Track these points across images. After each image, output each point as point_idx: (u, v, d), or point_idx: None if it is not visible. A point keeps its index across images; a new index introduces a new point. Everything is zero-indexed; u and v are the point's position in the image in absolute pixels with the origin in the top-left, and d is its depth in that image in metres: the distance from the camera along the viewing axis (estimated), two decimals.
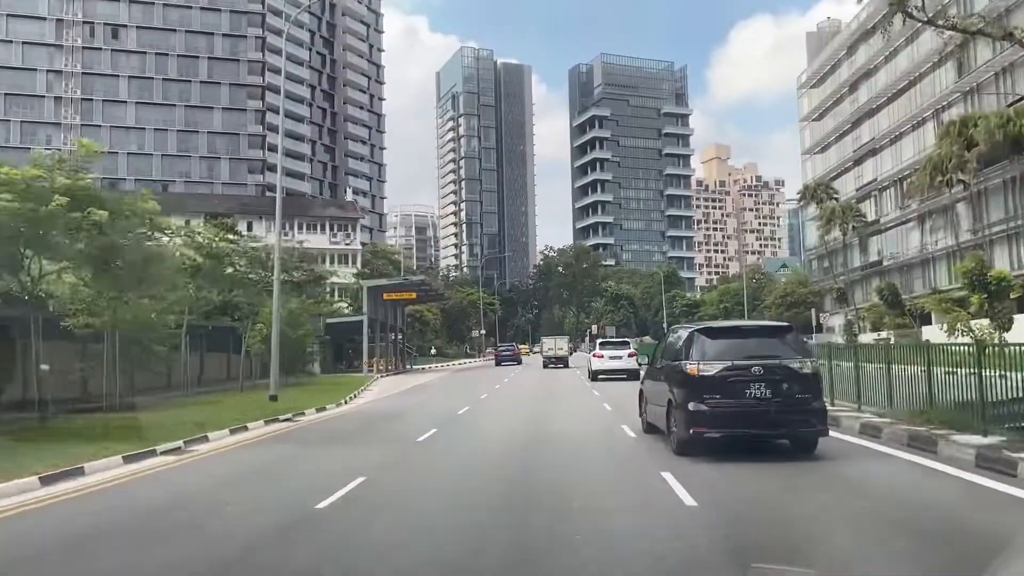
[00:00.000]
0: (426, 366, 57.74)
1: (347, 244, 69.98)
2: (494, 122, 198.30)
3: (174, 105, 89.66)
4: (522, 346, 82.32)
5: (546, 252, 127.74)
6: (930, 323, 46.51)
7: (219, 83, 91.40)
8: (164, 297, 22.85)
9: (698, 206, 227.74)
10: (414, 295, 46.75)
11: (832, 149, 72.18)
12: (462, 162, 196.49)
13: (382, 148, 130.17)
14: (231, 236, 33.07)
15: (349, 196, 70.26)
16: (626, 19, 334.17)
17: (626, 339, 45.81)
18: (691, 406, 10.55)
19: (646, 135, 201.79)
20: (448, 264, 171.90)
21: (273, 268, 23.85)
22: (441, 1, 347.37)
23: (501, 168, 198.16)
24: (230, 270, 30.22)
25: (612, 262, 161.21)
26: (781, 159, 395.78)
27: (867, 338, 45.02)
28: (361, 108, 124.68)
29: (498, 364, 56.98)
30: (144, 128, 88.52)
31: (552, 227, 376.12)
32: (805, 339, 18.32)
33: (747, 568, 5.14)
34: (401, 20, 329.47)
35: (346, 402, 25.62)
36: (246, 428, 17.42)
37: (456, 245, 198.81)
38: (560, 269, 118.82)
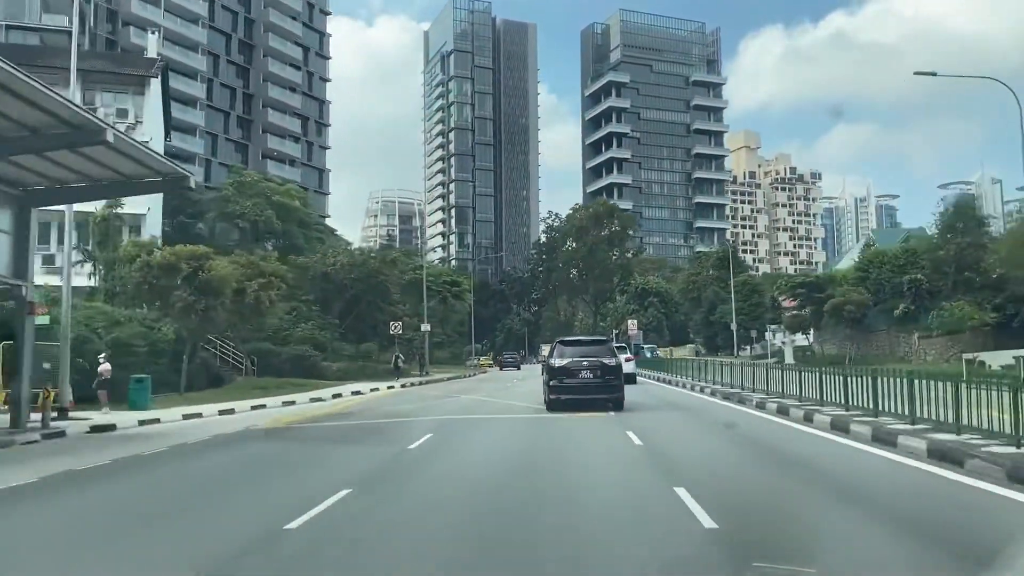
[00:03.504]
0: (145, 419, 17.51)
1: (127, 125, 30.67)
2: (491, 87, 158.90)
3: None
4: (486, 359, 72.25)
5: (550, 221, 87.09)
6: None
7: None
8: None
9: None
10: None
11: None
12: (451, 134, 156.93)
13: (325, 80, 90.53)
14: None
15: (152, 49, 31.81)
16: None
17: (622, 344, 38.62)
18: (552, 382, 18.13)
19: (672, 107, 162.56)
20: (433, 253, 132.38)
21: None
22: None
23: (499, 143, 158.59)
24: None
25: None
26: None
27: None
28: (294, 19, 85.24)
29: (502, 368, 63.50)
30: None
31: None
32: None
33: (747, 567, 5.27)
34: (414, 27, 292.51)
35: None
36: None
37: (444, 234, 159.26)
38: (571, 244, 78.03)
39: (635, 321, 48.18)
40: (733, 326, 62.05)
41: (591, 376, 17.74)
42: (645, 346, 55.93)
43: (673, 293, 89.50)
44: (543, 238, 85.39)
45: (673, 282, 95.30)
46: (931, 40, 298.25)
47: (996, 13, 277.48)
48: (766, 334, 54.22)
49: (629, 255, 79.97)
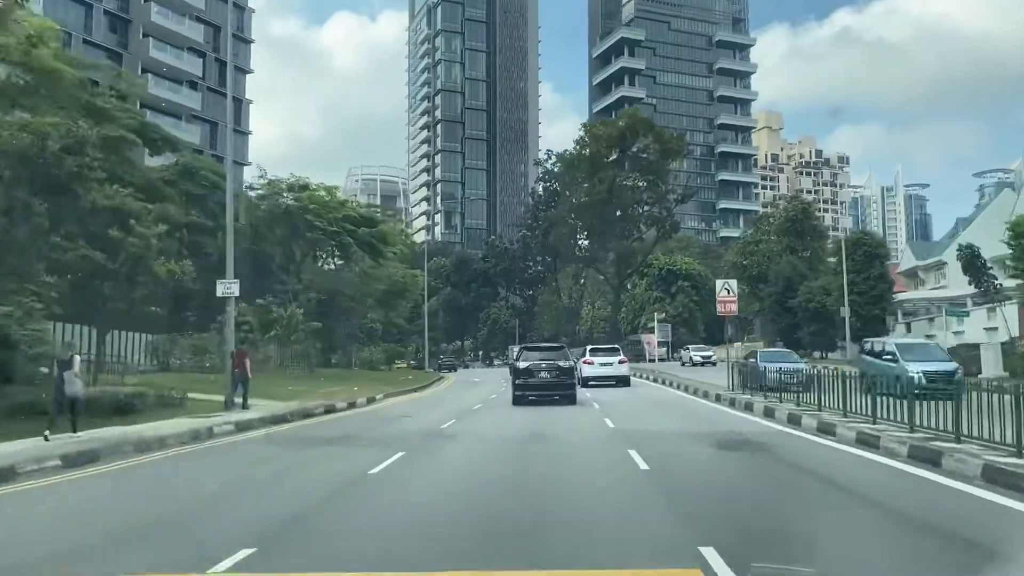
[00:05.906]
0: None
1: None
2: (485, 44, 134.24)
3: None
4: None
5: (545, 163, 61.18)
6: None
7: None
8: None
9: None
10: None
11: None
12: (438, 98, 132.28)
13: (242, 7, 65.65)
14: None
15: None
16: None
17: (615, 346, 35.96)
18: (517, 381, 21.34)
19: (693, 70, 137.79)
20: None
21: None
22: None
23: (494, 108, 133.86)
24: None
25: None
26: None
27: None
28: None
29: (438, 370, 58.24)
30: None
31: None
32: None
33: (747, 568, 5.32)
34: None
35: None
36: None
37: (428, 214, 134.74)
38: (579, 197, 52.46)
39: (734, 282, 22.88)
40: (845, 311, 37.32)
41: (548, 376, 20.92)
42: (770, 353, 26.79)
43: (708, 277, 65.29)
44: (539, 188, 60.03)
45: (711, 266, 71.18)
46: (939, 38, 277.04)
47: (1004, 11, 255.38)
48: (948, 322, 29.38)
49: (671, 200, 54.06)
